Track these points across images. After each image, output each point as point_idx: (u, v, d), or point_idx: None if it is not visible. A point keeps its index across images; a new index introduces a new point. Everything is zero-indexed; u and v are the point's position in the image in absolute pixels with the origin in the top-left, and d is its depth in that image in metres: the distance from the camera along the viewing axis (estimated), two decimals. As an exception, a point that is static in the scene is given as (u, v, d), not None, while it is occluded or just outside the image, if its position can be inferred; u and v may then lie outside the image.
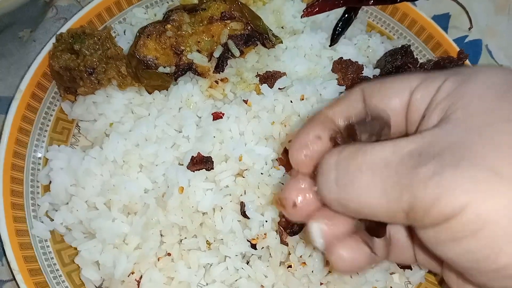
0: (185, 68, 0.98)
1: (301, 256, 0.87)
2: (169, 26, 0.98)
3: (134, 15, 1.11)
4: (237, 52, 0.99)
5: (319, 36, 1.08)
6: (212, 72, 0.99)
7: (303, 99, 0.94)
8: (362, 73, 1.03)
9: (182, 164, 0.89)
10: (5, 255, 0.84)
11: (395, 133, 0.57)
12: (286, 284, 0.87)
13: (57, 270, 0.88)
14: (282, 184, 0.87)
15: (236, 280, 0.87)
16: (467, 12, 1.26)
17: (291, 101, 0.94)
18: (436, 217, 0.43)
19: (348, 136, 0.54)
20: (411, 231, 0.62)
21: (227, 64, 1.00)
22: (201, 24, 1.00)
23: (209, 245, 0.89)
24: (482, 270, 0.44)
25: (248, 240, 0.87)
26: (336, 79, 1.02)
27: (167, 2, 1.14)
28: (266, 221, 0.86)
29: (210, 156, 0.88)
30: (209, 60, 1.00)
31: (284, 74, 0.99)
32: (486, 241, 0.41)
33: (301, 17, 1.11)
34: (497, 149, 0.42)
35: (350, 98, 0.57)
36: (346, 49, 1.08)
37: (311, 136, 0.55)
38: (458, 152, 0.43)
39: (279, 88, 0.96)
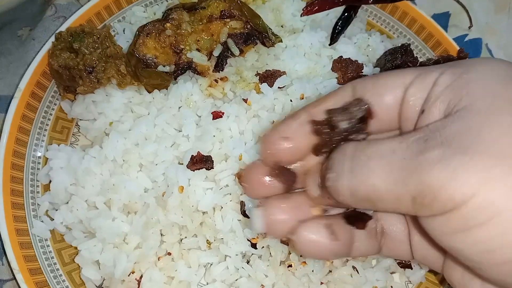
0: (185, 67, 0.98)
1: (301, 256, 0.87)
2: (168, 24, 0.97)
3: (133, 14, 1.11)
4: (236, 51, 0.99)
5: (318, 35, 1.07)
6: (212, 71, 0.99)
7: (303, 98, 0.94)
8: (362, 72, 1.03)
9: (182, 163, 0.89)
10: (5, 254, 0.84)
11: (387, 130, 0.57)
12: (287, 283, 0.87)
13: (57, 269, 0.88)
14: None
15: (236, 280, 0.87)
16: (467, 11, 1.25)
17: (291, 100, 0.93)
18: (444, 203, 0.41)
19: (327, 125, 0.55)
20: (410, 224, 0.61)
21: (226, 63, 0.99)
22: (200, 23, 0.99)
23: (209, 244, 0.89)
24: (492, 262, 0.42)
25: (248, 240, 0.87)
26: (336, 78, 1.01)
27: (167, 1, 1.14)
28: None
29: (210, 155, 0.88)
30: (209, 59, 0.99)
31: (284, 73, 0.99)
32: (498, 230, 0.40)
33: (301, 16, 1.10)
34: (507, 134, 0.41)
35: (339, 94, 0.57)
36: (346, 48, 1.08)
37: (294, 126, 0.56)
38: (466, 137, 0.42)
39: (278, 87, 0.96)
